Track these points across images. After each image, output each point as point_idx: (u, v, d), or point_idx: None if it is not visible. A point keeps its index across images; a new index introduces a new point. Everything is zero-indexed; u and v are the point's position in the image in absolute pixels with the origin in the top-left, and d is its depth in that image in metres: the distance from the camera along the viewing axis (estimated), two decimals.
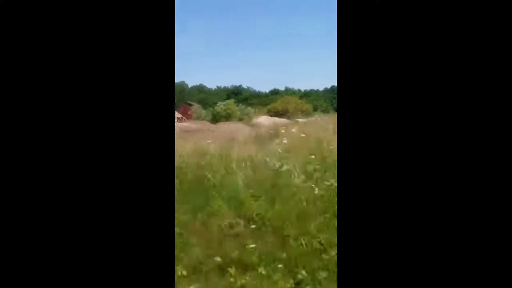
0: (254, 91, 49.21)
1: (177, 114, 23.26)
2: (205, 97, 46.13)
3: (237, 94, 47.65)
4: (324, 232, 2.86)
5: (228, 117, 23.85)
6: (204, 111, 26.28)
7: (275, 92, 50.54)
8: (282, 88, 50.15)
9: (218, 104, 26.49)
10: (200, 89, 49.17)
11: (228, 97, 47.18)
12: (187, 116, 24.94)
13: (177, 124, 14.34)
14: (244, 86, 49.91)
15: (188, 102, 29.91)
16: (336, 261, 2.11)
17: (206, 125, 16.99)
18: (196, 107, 28.89)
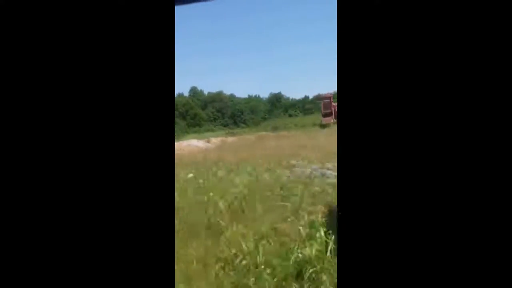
0: (288, 98, 43.57)
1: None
2: (255, 105, 39.75)
3: (278, 102, 41.77)
4: None
5: None
6: None
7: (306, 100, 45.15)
8: (312, 94, 44.13)
9: None
10: (232, 98, 42.54)
11: (273, 106, 41.43)
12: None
13: None
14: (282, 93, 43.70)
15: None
16: None
17: None
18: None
